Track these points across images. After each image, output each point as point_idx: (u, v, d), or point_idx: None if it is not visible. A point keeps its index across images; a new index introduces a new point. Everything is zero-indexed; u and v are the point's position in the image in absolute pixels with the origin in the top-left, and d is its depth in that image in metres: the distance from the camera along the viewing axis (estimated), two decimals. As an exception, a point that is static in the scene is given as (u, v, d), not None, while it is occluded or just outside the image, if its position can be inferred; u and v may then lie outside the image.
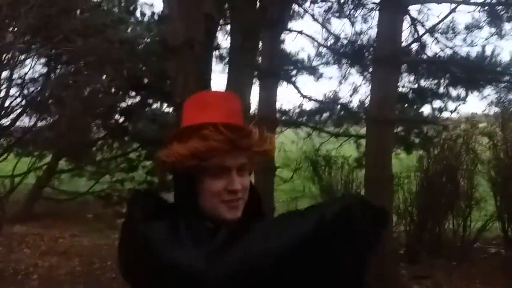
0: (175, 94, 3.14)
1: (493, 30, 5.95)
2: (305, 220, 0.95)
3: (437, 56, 5.87)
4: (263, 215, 1.18)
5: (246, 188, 1.09)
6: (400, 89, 7.60)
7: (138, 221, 1.02)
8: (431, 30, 5.59)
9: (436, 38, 5.67)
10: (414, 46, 6.01)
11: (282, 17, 6.18)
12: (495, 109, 6.82)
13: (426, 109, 8.08)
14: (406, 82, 7.40)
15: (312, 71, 7.56)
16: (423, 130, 7.81)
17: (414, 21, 5.60)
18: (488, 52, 5.93)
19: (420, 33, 5.69)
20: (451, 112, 7.86)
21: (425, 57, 6.08)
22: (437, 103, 7.11)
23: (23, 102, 11.43)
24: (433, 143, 7.62)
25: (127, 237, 1.09)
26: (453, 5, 5.28)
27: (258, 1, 2.96)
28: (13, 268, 5.62)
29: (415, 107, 8.06)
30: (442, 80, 6.43)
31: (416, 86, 6.80)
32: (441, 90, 7.13)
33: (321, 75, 7.89)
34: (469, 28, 5.87)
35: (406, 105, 7.87)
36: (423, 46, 5.92)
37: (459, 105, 7.56)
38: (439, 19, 5.41)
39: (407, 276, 6.30)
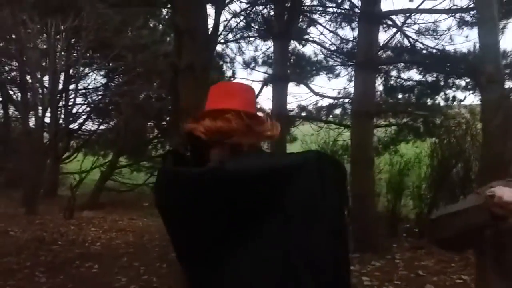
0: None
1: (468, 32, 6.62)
2: (283, 158, 1.39)
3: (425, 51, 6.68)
4: None
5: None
6: (406, 83, 8.49)
7: (168, 166, 1.35)
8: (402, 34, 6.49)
9: (410, 39, 6.55)
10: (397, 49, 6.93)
11: (289, 28, 7.27)
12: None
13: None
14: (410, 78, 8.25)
15: (325, 72, 8.60)
16: (429, 119, 8.56)
17: (398, 27, 6.50)
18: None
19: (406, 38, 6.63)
20: (460, 101, 8.55)
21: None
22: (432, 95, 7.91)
23: (88, 109, 13.47)
24: (437, 131, 8.34)
25: (161, 178, 1.38)
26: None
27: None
28: (82, 239, 7.26)
29: (429, 99, 8.83)
30: (428, 76, 7.25)
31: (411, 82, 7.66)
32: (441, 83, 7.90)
33: (337, 75, 8.89)
34: (449, 29, 6.68)
35: (413, 96, 8.69)
36: (413, 48, 6.78)
37: (467, 95, 8.21)
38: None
39: (408, 246, 7.12)
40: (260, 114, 1.36)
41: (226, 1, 6.87)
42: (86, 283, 4.83)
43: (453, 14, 6.07)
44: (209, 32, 3.68)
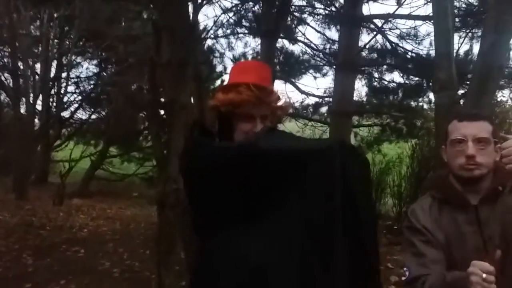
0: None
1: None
2: (308, 141, 1.54)
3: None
4: None
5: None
6: (389, 85, 8.79)
7: (199, 138, 1.44)
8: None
9: (391, 42, 6.82)
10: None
11: (276, 27, 7.48)
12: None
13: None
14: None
15: (312, 70, 8.85)
16: (410, 121, 8.84)
17: (377, 30, 6.76)
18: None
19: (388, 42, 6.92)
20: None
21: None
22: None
23: (79, 98, 13.61)
24: (417, 132, 8.63)
25: (191, 148, 1.47)
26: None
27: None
28: (70, 225, 7.47)
29: (411, 101, 9.11)
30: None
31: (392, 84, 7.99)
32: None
33: (324, 74, 9.13)
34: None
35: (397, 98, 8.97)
36: (394, 51, 7.05)
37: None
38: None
39: (385, 242, 7.41)
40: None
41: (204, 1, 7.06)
42: (71, 266, 5.07)
43: (430, 20, 6.32)
44: (188, 30, 3.86)
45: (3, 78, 12.59)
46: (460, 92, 5.16)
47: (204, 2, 7.12)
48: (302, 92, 8.64)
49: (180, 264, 4.15)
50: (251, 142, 1.34)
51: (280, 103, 1.45)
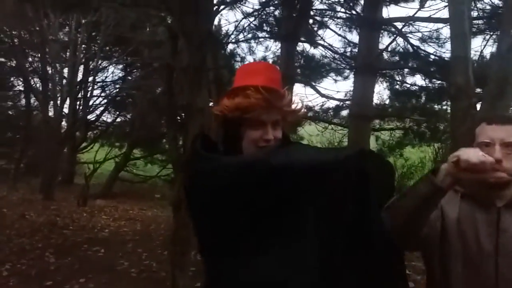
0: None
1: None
2: (325, 153, 1.39)
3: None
4: None
5: (277, 139, 1.28)
6: (407, 88, 8.69)
7: (200, 151, 1.30)
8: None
9: (412, 45, 6.74)
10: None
11: (297, 31, 7.50)
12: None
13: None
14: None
15: (333, 74, 8.80)
16: (432, 124, 8.68)
17: (397, 33, 6.69)
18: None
19: (409, 44, 6.85)
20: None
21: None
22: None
23: (105, 101, 13.96)
24: (440, 136, 8.48)
25: (193, 162, 1.35)
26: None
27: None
28: (92, 225, 7.67)
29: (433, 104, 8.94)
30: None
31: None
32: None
33: (346, 77, 9.06)
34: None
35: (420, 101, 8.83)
36: (415, 54, 6.95)
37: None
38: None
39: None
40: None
41: (220, 8, 7.12)
42: (91, 265, 5.20)
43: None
44: (205, 36, 3.93)
45: (32, 82, 13.04)
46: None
47: (221, 8, 7.18)
48: (323, 95, 8.60)
49: (196, 265, 4.22)
50: (261, 158, 1.22)
51: (292, 107, 1.31)
